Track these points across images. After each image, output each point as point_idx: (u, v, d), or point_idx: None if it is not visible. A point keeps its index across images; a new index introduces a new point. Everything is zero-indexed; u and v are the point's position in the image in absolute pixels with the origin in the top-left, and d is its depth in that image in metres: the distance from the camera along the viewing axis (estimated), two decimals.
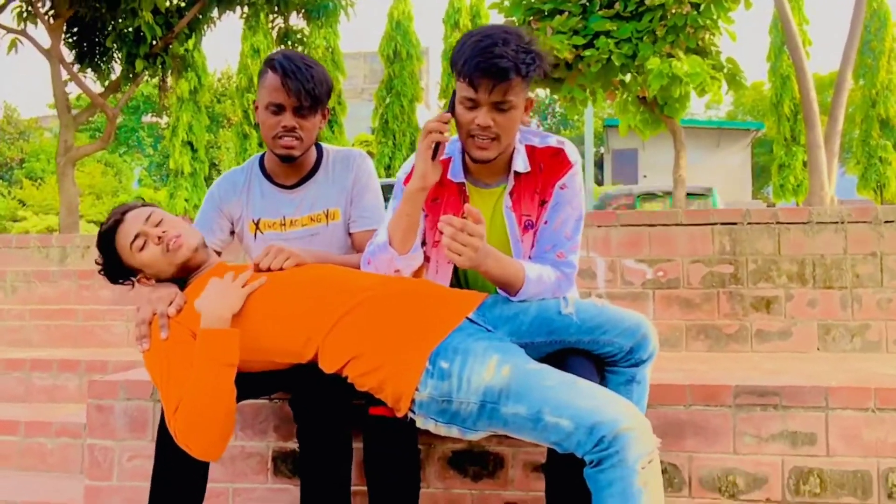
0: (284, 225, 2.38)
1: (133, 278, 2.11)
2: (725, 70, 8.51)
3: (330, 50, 18.59)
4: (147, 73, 9.53)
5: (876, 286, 3.16)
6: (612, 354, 1.96)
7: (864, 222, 3.17)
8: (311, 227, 2.38)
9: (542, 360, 1.86)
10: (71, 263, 4.43)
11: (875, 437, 2.20)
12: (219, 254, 2.41)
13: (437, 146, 1.92)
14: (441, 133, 1.91)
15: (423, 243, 2.14)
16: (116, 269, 2.08)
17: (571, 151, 2.06)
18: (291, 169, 2.37)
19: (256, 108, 2.32)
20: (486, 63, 1.85)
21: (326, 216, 2.38)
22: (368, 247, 2.08)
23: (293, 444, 2.40)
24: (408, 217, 1.97)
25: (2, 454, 2.91)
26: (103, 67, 10.06)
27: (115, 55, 9.99)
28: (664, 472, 2.26)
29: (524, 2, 8.86)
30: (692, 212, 3.33)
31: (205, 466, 2.05)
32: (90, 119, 14.64)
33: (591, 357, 1.96)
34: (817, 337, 3.19)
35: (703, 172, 24.91)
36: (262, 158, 2.46)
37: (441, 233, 1.82)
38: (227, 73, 32.96)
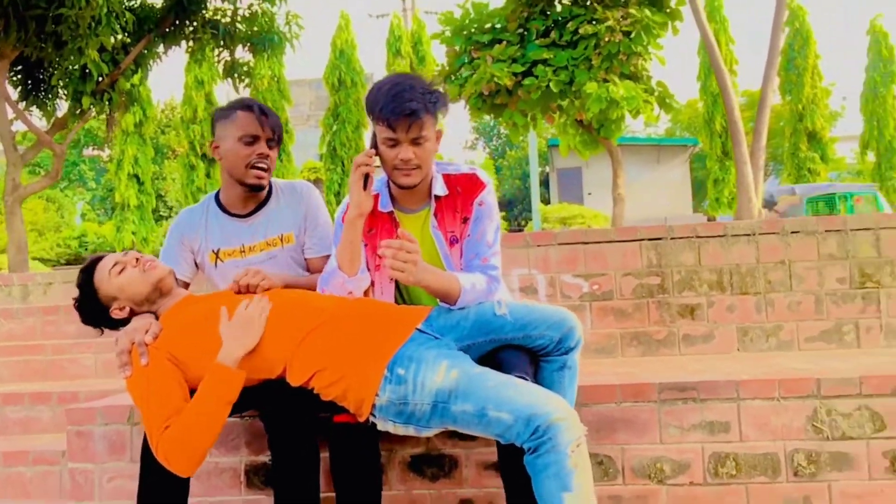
0: (244, 251, 2.60)
1: (102, 319, 2.30)
2: (656, 93, 8.98)
3: (276, 79, 18.75)
4: (94, 109, 9.59)
5: (787, 290, 3.51)
6: (544, 346, 2.24)
7: (774, 234, 3.53)
8: (268, 250, 2.61)
9: (483, 356, 2.17)
10: (34, 301, 4.54)
11: (781, 422, 2.51)
12: (186, 286, 2.61)
13: (367, 177, 2.24)
14: (368, 165, 2.25)
15: (367, 268, 2.41)
16: (92, 304, 2.28)
17: (482, 174, 2.41)
18: (250, 199, 2.60)
19: (216, 147, 2.57)
20: (399, 107, 2.19)
21: (281, 240, 2.62)
22: (322, 275, 2.37)
23: (264, 458, 2.60)
24: (351, 244, 2.27)
25: None
26: (48, 104, 10.07)
27: (60, 92, 10.02)
28: (600, 463, 2.54)
29: (464, 32, 9.23)
30: (622, 229, 3.65)
31: (186, 482, 2.24)
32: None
33: (525, 350, 2.24)
34: (737, 339, 3.52)
35: (646, 188, 25.61)
36: (216, 195, 2.69)
37: (381, 257, 2.10)
38: (171, 104, 32.75)
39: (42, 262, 20.57)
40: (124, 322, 2.26)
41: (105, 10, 8.09)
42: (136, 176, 19.48)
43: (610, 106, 8.18)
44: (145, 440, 2.19)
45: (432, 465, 2.58)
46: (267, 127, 2.51)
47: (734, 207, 20.16)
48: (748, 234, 3.53)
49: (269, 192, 2.66)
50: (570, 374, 2.30)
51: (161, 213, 27.79)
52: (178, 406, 2.05)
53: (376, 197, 2.38)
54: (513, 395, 1.94)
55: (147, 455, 2.17)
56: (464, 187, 2.37)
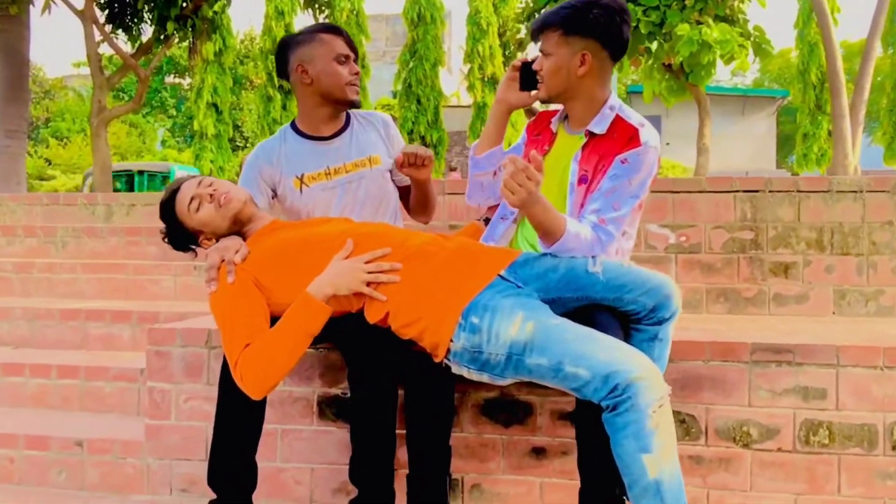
0: (329, 174, 2.57)
1: (194, 246, 2.34)
2: (753, 38, 8.51)
3: (354, 12, 18.58)
4: (178, 35, 9.67)
5: (892, 253, 3.28)
6: (636, 312, 2.11)
7: (883, 192, 3.28)
8: (356, 171, 2.58)
9: (569, 315, 2.02)
10: (117, 221, 4.64)
11: (883, 393, 2.35)
12: None
13: (529, 77, 2.32)
14: (514, 68, 2.36)
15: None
16: (179, 234, 2.32)
17: (646, 133, 2.19)
18: (333, 120, 2.60)
19: (303, 70, 2.53)
20: (538, 17, 2.28)
21: (370, 161, 2.60)
22: None
23: (337, 390, 2.58)
24: (487, 126, 2.47)
25: (64, 397, 3.13)
26: (133, 29, 10.20)
27: (145, 17, 10.12)
28: (682, 422, 2.43)
29: None
30: (714, 178, 3.45)
31: (262, 407, 2.25)
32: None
33: (616, 314, 2.12)
34: (833, 301, 3.32)
35: (728, 140, 24.73)
36: (292, 124, 2.66)
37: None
38: (250, 35, 32.97)
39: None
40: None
41: None
42: (215, 105, 19.77)
43: (702, 49, 7.79)
44: (225, 364, 2.20)
45: (505, 410, 2.52)
46: (353, 48, 2.61)
47: (822, 165, 19.31)
48: (855, 191, 3.30)
49: (348, 117, 2.67)
50: (660, 347, 2.17)
51: (237, 144, 28.26)
52: (259, 327, 2.04)
53: (559, 112, 2.40)
54: (591, 349, 1.84)
55: (226, 378, 2.18)
56: (620, 135, 2.21)
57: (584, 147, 2.24)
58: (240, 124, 28.99)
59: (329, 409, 2.60)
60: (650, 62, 9.00)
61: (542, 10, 8.88)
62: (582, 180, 2.22)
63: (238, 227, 2.27)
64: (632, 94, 26.65)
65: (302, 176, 2.57)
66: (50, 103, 31.61)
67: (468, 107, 22.41)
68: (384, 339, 2.12)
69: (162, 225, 2.34)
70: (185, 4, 9.42)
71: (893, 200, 3.28)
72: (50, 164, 24.80)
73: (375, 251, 2.10)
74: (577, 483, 2.17)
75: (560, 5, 2.23)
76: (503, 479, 2.50)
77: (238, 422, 2.21)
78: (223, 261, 2.13)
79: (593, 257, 2.12)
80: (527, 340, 1.88)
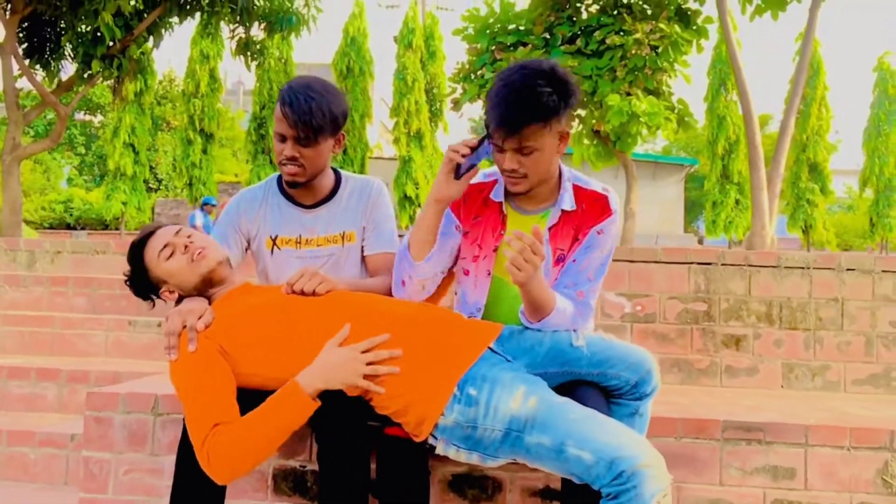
0: (300, 243, 2.44)
1: (154, 296, 2.18)
2: (677, 111, 8.88)
3: (283, 61, 18.49)
4: (102, 74, 9.36)
5: (837, 329, 3.38)
6: (618, 388, 2.07)
7: (829, 269, 3.40)
8: (327, 247, 2.44)
9: (554, 390, 1.96)
10: (41, 269, 4.34)
11: (850, 473, 2.37)
12: None
13: (459, 167, 2.04)
14: (460, 155, 2.02)
15: (461, 258, 2.25)
16: (142, 281, 2.15)
17: (613, 200, 2.17)
18: (307, 191, 2.43)
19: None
20: (501, 115, 1.96)
21: (343, 238, 2.45)
22: (396, 256, 2.21)
23: (294, 463, 2.43)
24: (423, 226, 2.11)
25: None
26: (52, 65, 9.84)
27: (67, 54, 9.79)
28: None
29: (488, 31, 9.08)
30: (670, 249, 3.51)
31: (223, 486, 2.08)
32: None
33: (599, 388, 2.07)
34: (781, 375, 3.39)
35: (640, 204, 25.67)
36: (279, 178, 2.52)
37: (480, 250, 2.02)
38: (169, 76, 32.36)
39: (26, 224, 20.21)
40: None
41: None
42: (132, 145, 19.18)
43: (631, 120, 8.06)
44: (184, 435, 2.03)
45: (474, 486, 2.42)
46: (292, 125, 2.23)
47: (730, 231, 20.19)
48: (802, 268, 3.40)
49: (338, 185, 2.49)
50: (640, 423, 2.13)
51: (151, 185, 27.44)
52: (228, 404, 1.89)
53: (490, 185, 2.20)
54: (596, 432, 1.77)
55: (185, 452, 2.01)
56: (589, 207, 2.15)
57: (554, 226, 2.17)
58: (153, 166, 28.22)
59: (285, 483, 2.44)
60: (580, 128, 9.26)
61: (478, 73, 9.04)
62: (559, 260, 2.17)
63: (205, 288, 2.12)
64: None
65: (275, 238, 2.44)
66: None
67: (391, 159, 22.51)
68: (360, 411, 2.01)
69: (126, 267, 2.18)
70: (112, 44, 9.16)
71: (839, 278, 3.39)
72: None
73: (374, 338, 1.94)
74: None
75: (522, 96, 1.96)
76: None
77: (196, 500, 2.03)
78: (185, 327, 1.97)
79: (575, 331, 2.08)
80: (528, 416, 1.80)
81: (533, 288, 1.95)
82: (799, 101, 8.45)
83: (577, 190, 2.18)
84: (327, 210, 2.45)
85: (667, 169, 28.39)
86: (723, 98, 20.12)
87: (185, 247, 2.08)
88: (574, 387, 2.04)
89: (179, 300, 2.14)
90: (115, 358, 3.71)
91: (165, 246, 2.09)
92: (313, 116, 2.23)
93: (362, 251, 2.49)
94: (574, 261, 2.14)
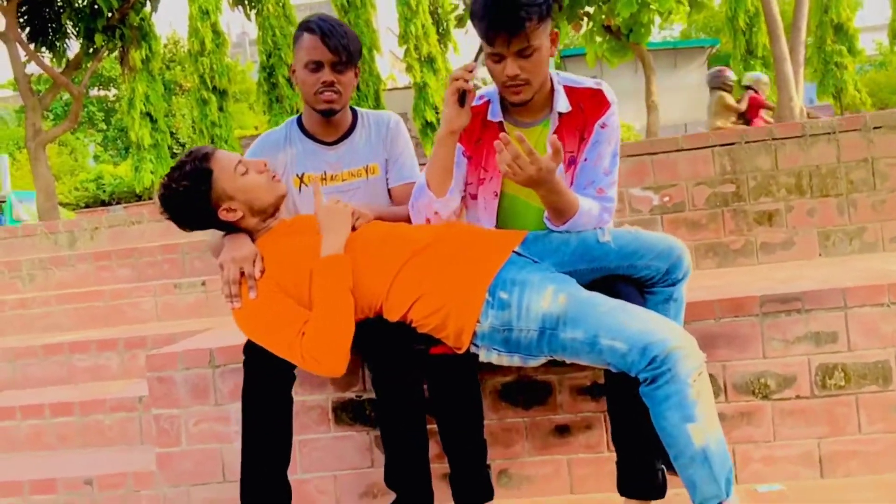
0: (325, 179, 2.50)
1: (193, 225, 2.15)
2: None
3: (281, 4, 18.16)
4: (107, 46, 9.35)
5: (869, 190, 3.35)
6: (649, 277, 2.11)
7: (855, 130, 3.34)
8: (352, 181, 2.50)
9: (586, 287, 2.00)
10: (82, 247, 4.48)
11: (892, 328, 2.39)
12: None
13: (465, 93, 2.02)
14: (465, 81, 2.00)
15: (468, 184, 2.26)
16: (200, 196, 2.05)
17: (608, 92, 2.17)
18: (331, 126, 2.49)
19: (293, 71, 2.45)
20: (497, 19, 1.93)
21: (367, 171, 2.51)
22: (414, 190, 2.22)
23: (351, 394, 2.53)
24: (441, 162, 2.10)
25: (61, 435, 3.02)
26: (58, 45, 9.84)
27: (69, 32, 9.77)
28: None
29: None
30: (691, 136, 3.48)
31: (289, 419, 2.17)
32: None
33: (632, 281, 2.11)
34: (818, 244, 3.38)
35: (663, 93, 24.99)
36: (299, 119, 2.57)
37: (487, 170, 2.06)
38: (173, 38, 32.09)
39: (62, 207, 20.58)
40: (218, 225, 2.14)
41: None
42: (149, 114, 19.17)
43: (641, 8, 7.82)
44: (248, 381, 2.13)
45: (525, 392, 2.50)
46: (331, 51, 2.32)
47: None
48: (828, 133, 3.35)
49: (355, 121, 2.53)
50: (675, 308, 2.17)
51: (175, 151, 27.61)
52: (302, 317, 1.99)
53: (484, 106, 2.18)
54: (627, 321, 1.82)
55: (250, 395, 2.12)
56: (587, 104, 2.15)
57: (556, 131, 2.16)
58: (174, 131, 28.30)
59: (345, 413, 2.55)
60: (590, 25, 9.02)
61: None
62: (570, 163, 2.17)
63: (272, 212, 2.16)
64: (565, 58, 26.76)
65: (302, 175, 2.50)
66: None
67: (405, 88, 22.21)
68: (405, 336, 2.08)
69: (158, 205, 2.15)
70: (110, 15, 9.11)
71: (866, 138, 3.34)
72: None
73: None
74: (605, 456, 2.17)
75: None
76: (530, 462, 2.49)
77: (267, 438, 2.14)
78: (243, 274, 2.04)
79: (601, 228, 2.12)
80: (560, 313, 1.85)
81: (551, 192, 1.97)
82: None
83: (570, 91, 2.17)
84: (348, 145, 2.51)
85: (687, 54, 27.55)
86: None
87: (265, 166, 2.14)
88: (608, 282, 2.08)
89: (223, 226, 2.14)
90: (166, 321, 3.85)
91: (240, 162, 2.11)
92: (350, 41, 2.35)
93: (387, 183, 2.54)
94: (586, 160, 2.16)
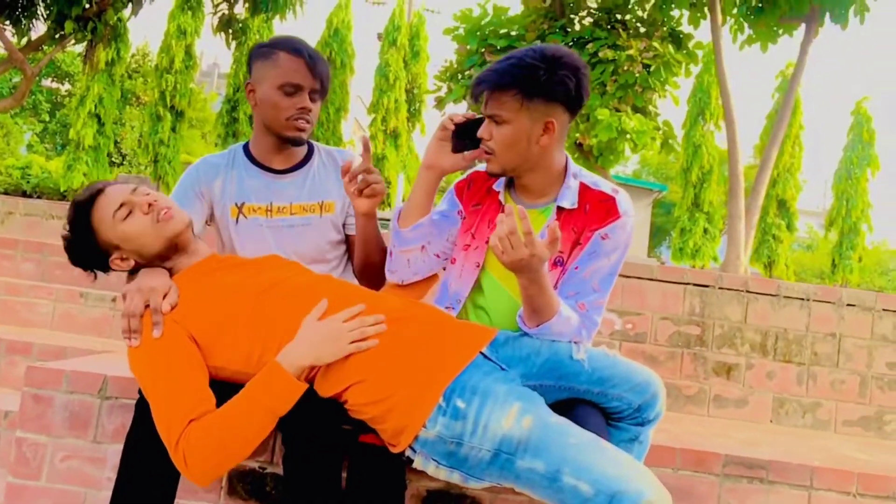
0: (271, 211, 2.26)
1: (96, 268, 1.90)
2: (662, 132, 8.79)
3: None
4: (75, 36, 8.96)
5: (832, 366, 3.25)
6: (619, 410, 1.88)
7: (829, 302, 3.26)
8: (303, 216, 2.27)
9: (550, 407, 1.76)
10: None
11: None
12: None
13: (459, 138, 1.96)
14: (453, 123, 1.97)
15: (453, 246, 2.11)
16: (86, 246, 1.86)
17: (623, 201, 1.95)
18: (283, 154, 2.28)
19: (251, 90, 2.23)
20: (485, 73, 1.85)
21: (321, 207, 2.29)
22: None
23: (253, 463, 2.20)
24: (413, 194, 2.04)
25: None
26: (23, 23, 9.40)
27: (39, 13, 9.37)
28: None
29: (479, 33, 8.91)
30: (668, 268, 3.35)
31: (174, 483, 1.84)
32: None
33: (599, 409, 1.88)
34: (771, 409, 3.24)
35: None
36: (245, 146, 2.34)
37: (473, 237, 1.95)
38: (143, 50, 31.64)
39: None
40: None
41: None
42: (98, 116, 18.56)
43: (618, 136, 7.94)
44: (134, 424, 1.80)
45: None
46: (315, 76, 2.16)
47: (697, 259, 20.29)
48: (802, 298, 3.26)
49: (311, 153, 2.32)
50: (639, 450, 1.94)
51: (114, 160, 26.73)
52: (202, 395, 1.65)
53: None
54: (597, 460, 1.56)
55: (134, 440, 1.80)
56: (593, 208, 1.94)
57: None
58: (119, 140, 27.50)
59: (241, 484, 2.21)
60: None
61: (465, 73, 8.87)
62: (556, 263, 1.96)
63: (169, 255, 1.85)
64: None
65: (241, 205, 2.24)
66: None
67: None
68: (335, 413, 1.78)
69: (65, 231, 1.90)
70: (87, 6, 8.77)
71: (838, 313, 3.26)
72: None
73: (352, 308, 1.74)
74: None
75: (510, 60, 1.84)
76: None
77: (143, 496, 1.79)
78: (147, 307, 1.73)
79: (576, 343, 1.88)
80: (522, 438, 1.58)
81: (533, 283, 1.74)
82: (782, 135, 8.40)
83: (584, 189, 1.97)
84: (301, 176, 2.28)
85: (636, 192, 28.41)
86: (700, 127, 20.23)
87: (149, 205, 1.81)
88: (572, 405, 1.84)
89: (134, 272, 1.87)
90: (62, 332, 3.41)
91: (122, 205, 1.81)
92: (326, 68, 2.20)
93: (343, 228, 2.34)
94: (576, 268, 1.93)
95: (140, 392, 1.83)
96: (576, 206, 1.95)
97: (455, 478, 1.68)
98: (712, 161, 19.53)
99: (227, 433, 1.61)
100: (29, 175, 22.91)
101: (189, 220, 1.89)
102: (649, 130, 7.97)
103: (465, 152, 1.98)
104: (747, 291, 3.28)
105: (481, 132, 1.89)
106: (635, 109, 8.39)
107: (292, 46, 2.17)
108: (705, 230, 19.78)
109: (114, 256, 1.85)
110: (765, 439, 2.73)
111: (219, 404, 1.67)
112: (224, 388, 1.73)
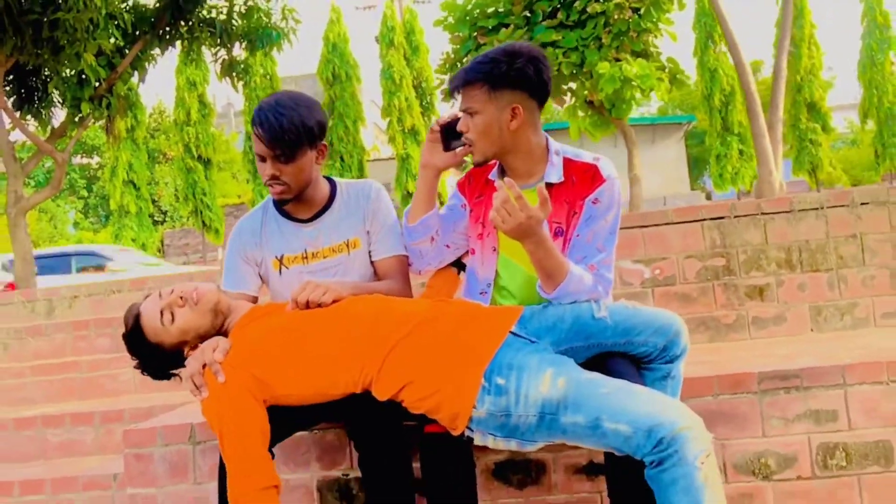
0: (307, 258, 2.41)
1: (175, 371, 2.13)
2: (668, 70, 8.80)
3: (268, 77, 18.47)
4: (93, 115, 9.37)
5: (859, 266, 3.35)
6: (647, 354, 2.06)
7: (843, 206, 3.36)
8: (334, 257, 2.39)
9: (582, 365, 1.95)
10: (60, 315, 4.36)
11: (892, 407, 2.35)
12: (255, 299, 2.41)
13: (447, 136, 2.20)
14: (437, 124, 2.22)
15: (469, 238, 2.33)
16: (158, 359, 2.11)
17: (605, 167, 2.16)
18: (304, 204, 2.38)
19: None
20: (456, 73, 2.12)
21: (348, 246, 2.40)
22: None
23: (337, 472, 2.43)
24: (417, 191, 2.30)
25: None
26: (43, 113, 9.86)
27: (55, 100, 9.81)
28: None
29: (468, 18, 9.03)
30: (681, 209, 3.48)
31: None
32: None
33: (629, 357, 2.06)
34: (810, 318, 3.36)
35: (642, 168, 25.49)
36: (274, 200, 2.50)
37: (485, 226, 2.13)
38: (159, 108, 32.43)
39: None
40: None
41: (103, 12, 7.84)
42: (132, 182, 19.27)
43: (623, 85, 8.00)
44: (223, 464, 2.03)
45: (518, 471, 2.42)
46: (266, 145, 2.18)
47: (737, 183, 20.06)
48: (816, 208, 3.37)
49: (333, 194, 2.45)
50: (673, 385, 2.12)
51: (156, 219, 27.55)
52: (260, 439, 1.90)
53: (491, 166, 2.27)
54: (630, 403, 1.76)
55: (225, 473, 2.01)
56: (579, 178, 2.15)
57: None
58: (156, 199, 28.31)
59: (331, 493, 2.45)
60: (573, 101, 9.20)
61: (463, 61, 9.00)
62: (557, 233, 2.15)
63: (220, 322, 2.10)
64: (548, 131, 27.18)
65: (281, 257, 2.40)
66: None
67: (389, 159, 22.47)
68: (394, 412, 2.00)
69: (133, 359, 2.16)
70: (98, 84, 9.17)
71: (854, 213, 3.36)
72: None
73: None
74: None
75: (477, 59, 2.11)
76: None
77: None
78: (205, 366, 1.94)
79: (597, 302, 2.07)
80: (560, 397, 1.79)
81: (538, 246, 1.94)
82: (788, 42, 8.35)
83: (568, 163, 2.19)
84: (327, 220, 2.40)
85: (665, 129, 28.18)
86: (711, 51, 19.99)
87: (181, 298, 2.06)
88: (604, 359, 2.03)
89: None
90: (145, 393, 3.72)
91: (163, 312, 2.06)
92: (285, 132, 2.16)
93: (370, 256, 2.45)
94: (578, 235, 2.13)
95: None
96: (562, 179, 2.15)
97: (513, 445, 1.89)
98: (732, 82, 19.23)
99: None
100: None
101: (216, 287, 2.14)
102: (653, 72, 7.99)
103: (456, 149, 2.22)
104: (762, 214, 3.39)
105: (460, 126, 2.13)
106: (636, 55, 8.42)
107: (255, 118, 2.21)
108: (741, 152, 19.53)
109: (186, 350, 2.08)
110: (805, 349, 2.86)
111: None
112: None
